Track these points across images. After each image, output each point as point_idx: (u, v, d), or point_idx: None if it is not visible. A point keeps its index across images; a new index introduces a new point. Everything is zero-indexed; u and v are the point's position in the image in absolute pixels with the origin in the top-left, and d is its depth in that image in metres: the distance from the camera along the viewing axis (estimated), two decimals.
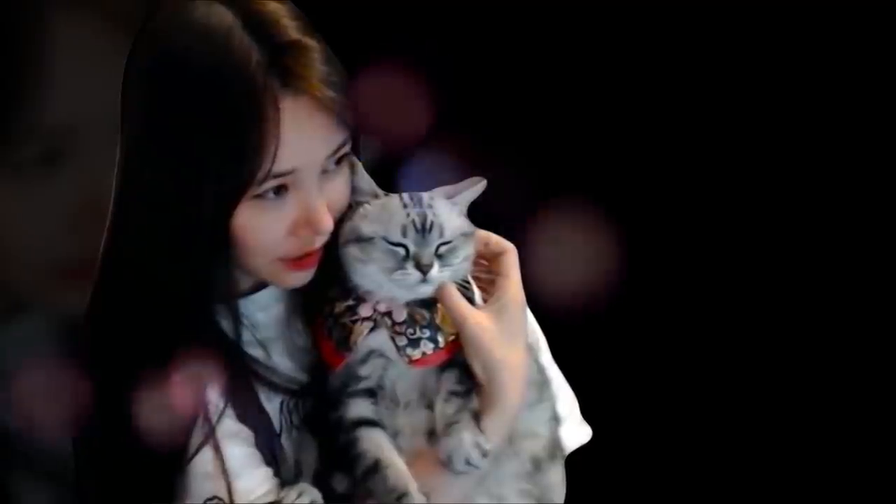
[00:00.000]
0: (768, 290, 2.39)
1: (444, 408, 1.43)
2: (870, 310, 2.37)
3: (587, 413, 1.63)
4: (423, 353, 1.44)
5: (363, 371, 1.44)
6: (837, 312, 2.37)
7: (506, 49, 2.29)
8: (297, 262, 1.44)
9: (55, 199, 2.19)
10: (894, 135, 2.33)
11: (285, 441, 1.48)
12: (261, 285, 1.51)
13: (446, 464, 1.40)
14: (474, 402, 1.43)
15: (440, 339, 1.44)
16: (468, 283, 1.48)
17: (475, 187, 1.47)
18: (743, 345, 2.39)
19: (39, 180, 2.18)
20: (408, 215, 1.43)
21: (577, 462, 1.57)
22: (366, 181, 1.46)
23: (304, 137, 1.38)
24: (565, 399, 1.59)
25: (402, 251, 1.42)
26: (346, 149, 1.43)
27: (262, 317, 1.51)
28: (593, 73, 2.32)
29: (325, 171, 1.42)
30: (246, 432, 1.45)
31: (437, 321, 1.44)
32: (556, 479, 1.50)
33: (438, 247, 1.42)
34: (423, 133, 1.77)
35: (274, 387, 1.48)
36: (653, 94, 2.34)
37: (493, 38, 2.27)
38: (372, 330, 1.44)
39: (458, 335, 1.44)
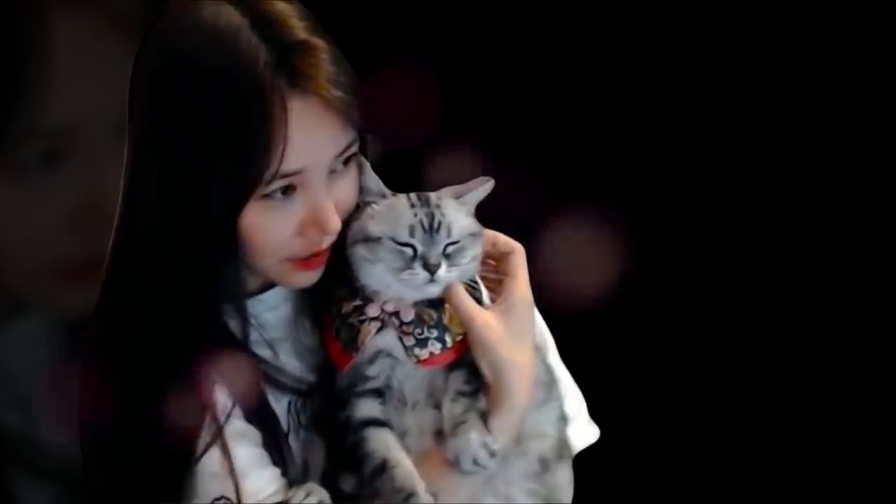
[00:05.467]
0: (777, 290, 2.39)
1: (452, 408, 1.43)
2: (873, 308, 2.38)
3: (595, 413, 1.63)
4: (431, 353, 1.44)
5: (371, 371, 1.44)
6: (841, 309, 2.38)
7: (512, 50, 2.29)
8: (304, 262, 1.44)
9: (55, 199, 2.19)
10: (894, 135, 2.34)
11: (293, 441, 1.48)
12: (269, 285, 1.51)
13: (454, 464, 1.40)
14: (482, 403, 1.43)
15: (448, 339, 1.44)
16: (476, 283, 1.48)
17: (483, 187, 1.47)
18: (751, 344, 2.39)
19: (39, 180, 2.18)
20: (415, 215, 1.43)
21: (584, 462, 1.57)
22: (373, 181, 1.46)
23: (311, 137, 1.38)
24: (573, 399, 1.59)
25: (409, 251, 1.42)
26: (354, 149, 1.43)
27: (270, 317, 1.51)
28: (598, 74, 2.33)
29: (332, 172, 1.42)
30: (254, 432, 1.45)
31: (445, 321, 1.44)
32: (563, 479, 1.50)
33: (446, 247, 1.42)
34: (431, 133, 1.77)
35: (282, 387, 1.48)
36: (656, 95, 2.34)
37: (500, 39, 2.27)
38: (380, 330, 1.44)
39: (465, 335, 1.44)
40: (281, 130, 1.35)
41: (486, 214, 1.49)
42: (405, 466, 1.40)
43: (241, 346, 1.46)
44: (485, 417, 1.42)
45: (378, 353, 1.44)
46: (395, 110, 1.58)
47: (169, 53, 1.40)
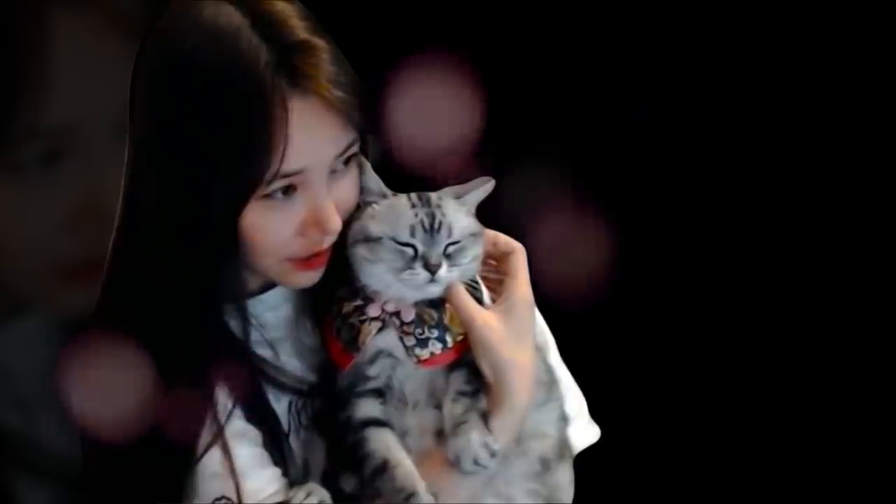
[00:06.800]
0: (778, 291, 2.39)
1: (453, 408, 1.43)
2: (869, 300, 2.38)
3: (595, 413, 1.63)
4: (432, 353, 1.44)
5: (371, 371, 1.44)
6: (843, 312, 2.38)
7: (512, 49, 2.29)
8: (305, 262, 1.44)
9: (55, 199, 2.19)
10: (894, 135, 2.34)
11: (293, 441, 1.48)
12: (269, 285, 1.51)
13: (455, 464, 1.40)
14: (482, 402, 1.43)
15: (448, 339, 1.44)
16: (477, 283, 1.48)
17: (484, 187, 1.47)
18: (752, 344, 2.39)
19: (39, 180, 2.18)
20: (416, 215, 1.43)
21: (585, 462, 1.57)
22: (374, 181, 1.46)
23: (312, 137, 1.38)
24: (574, 399, 1.59)
25: (410, 251, 1.42)
26: (355, 149, 1.43)
27: (271, 317, 1.51)
28: (599, 74, 2.33)
29: (333, 171, 1.42)
30: (254, 432, 1.45)
31: (446, 321, 1.44)
32: (564, 479, 1.50)
33: (447, 247, 1.42)
34: (432, 133, 1.77)
35: (282, 387, 1.48)
36: (657, 96, 2.34)
37: (499, 39, 2.27)
38: (380, 330, 1.44)
39: (466, 335, 1.44)
40: (282, 130, 1.35)
41: (487, 214, 1.49)
42: (406, 466, 1.40)
43: (242, 346, 1.46)
44: (485, 417, 1.42)
45: (379, 353, 1.44)
46: (397, 111, 1.58)
47: (169, 53, 1.40)
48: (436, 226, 1.42)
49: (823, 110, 2.33)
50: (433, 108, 1.73)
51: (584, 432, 1.60)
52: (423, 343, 1.44)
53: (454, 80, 1.71)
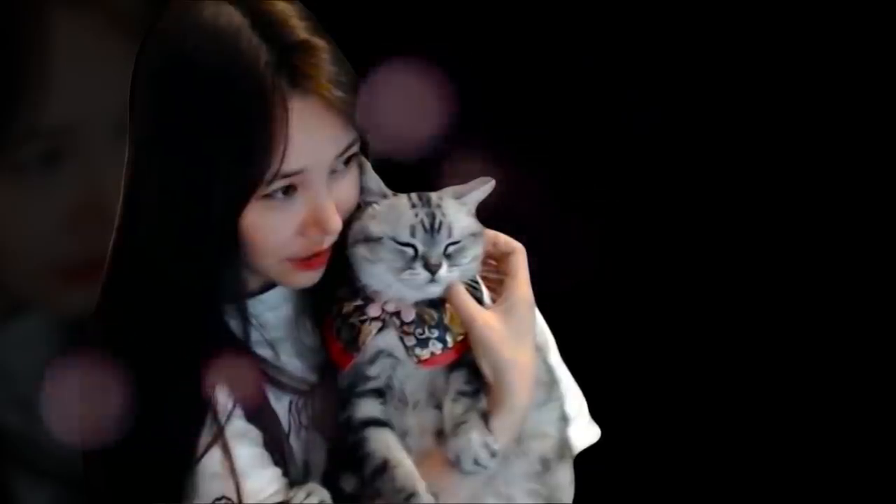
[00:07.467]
0: (779, 292, 2.39)
1: (453, 408, 1.43)
2: (870, 304, 2.39)
3: (595, 413, 1.63)
4: (432, 353, 1.44)
5: (371, 371, 1.44)
6: (843, 308, 2.38)
7: (512, 49, 2.29)
8: (305, 262, 1.44)
9: (55, 199, 2.19)
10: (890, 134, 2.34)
11: (294, 441, 1.48)
12: (269, 285, 1.51)
13: (455, 464, 1.40)
14: (483, 402, 1.43)
15: (449, 339, 1.44)
16: (477, 283, 1.48)
17: (484, 187, 1.47)
18: (753, 344, 2.39)
19: (39, 180, 2.18)
20: (416, 215, 1.43)
21: (585, 462, 1.57)
22: (374, 181, 1.46)
23: (312, 137, 1.38)
24: (574, 399, 1.59)
25: (410, 251, 1.42)
26: (355, 149, 1.43)
27: (271, 317, 1.51)
28: (598, 74, 2.33)
29: (333, 172, 1.42)
30: (254, 432, 1.45)
31: (446, 321, 1.44)
32: (564, 479, 1.50)
33: (447, 247, 1.42)
34: (432, 134, 1.77)
35: (282, 387, 1.48)
36: (655, 96, 2.34)
37: (498, 39, 2.27)
38: (380, 330, 1.44)
39: (466, 335, 1.44)
40: (282, 130, 1.35)
41: (487, 214, 1.49)
42: (406, 466, 1.40)
43: (242, 346, 1.46)
44: (486, 417, 1.42)
45: (379, 353, 1.44)
46: (396, 111, 1.58)
47: (170, 53, 1.40)
48: (436, 226, 1.42)
49: (820, 110, 2.33)
50: (432, 108, 1.72)
51: (584, 432, 1.60)
52: (423, 343, 1.44)
53: (454, 80, 1.71)
